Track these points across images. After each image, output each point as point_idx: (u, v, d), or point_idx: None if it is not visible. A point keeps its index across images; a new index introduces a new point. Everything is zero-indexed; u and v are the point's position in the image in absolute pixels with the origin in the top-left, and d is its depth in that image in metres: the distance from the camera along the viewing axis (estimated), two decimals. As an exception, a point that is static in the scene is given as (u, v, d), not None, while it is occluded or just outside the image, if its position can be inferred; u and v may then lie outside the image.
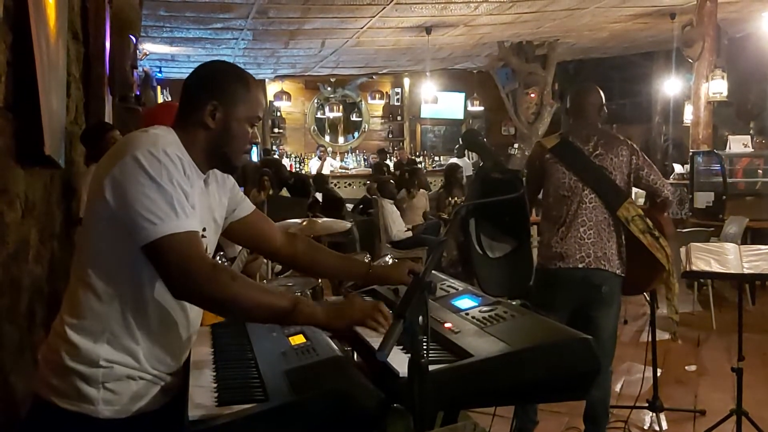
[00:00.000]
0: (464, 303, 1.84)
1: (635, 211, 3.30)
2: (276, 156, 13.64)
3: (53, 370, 1.59)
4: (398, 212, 7.93)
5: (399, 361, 1.42)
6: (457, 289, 1.98)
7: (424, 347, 1.31)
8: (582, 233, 3.30)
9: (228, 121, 1.68)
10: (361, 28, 8.76)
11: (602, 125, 3.51)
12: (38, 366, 1.68)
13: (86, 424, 1.57)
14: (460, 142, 13.75)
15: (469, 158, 13.49)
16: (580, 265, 3.29)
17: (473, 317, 1.70)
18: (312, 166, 14.05)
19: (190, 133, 1.67)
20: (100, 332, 1.57)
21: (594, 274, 3.29)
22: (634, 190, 3.53)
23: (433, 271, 2.21)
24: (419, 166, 11.37)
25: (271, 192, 9.97)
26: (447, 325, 1.67)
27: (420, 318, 1.32)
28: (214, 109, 1.66)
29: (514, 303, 1.81)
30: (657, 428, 3.97)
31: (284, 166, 10.18)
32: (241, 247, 3.15)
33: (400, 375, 1.38)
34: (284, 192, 9.77)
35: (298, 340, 1.70)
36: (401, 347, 1.57)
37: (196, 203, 1.60)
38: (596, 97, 3.45)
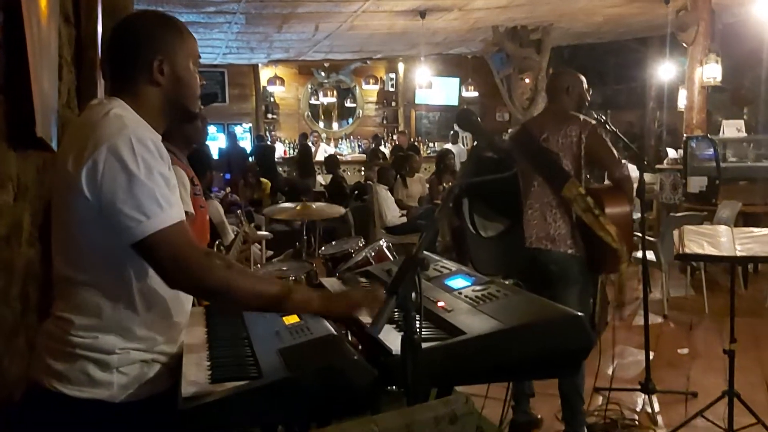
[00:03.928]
0: (457, 283, 1.85)
1: (577, 190, 3.35)
2: (269, 142, 13.62)
3: (59, 359, 1.56)
4: (393, 198, 7.93)
5: (392, 339, 1.43)
6: (450, 270, 1.99)
7: (417, 324, 1.32)
8: (529, 215, 3.41)
9: (176, 71, 1.65)
10: (355, 11, 8.71)
11: (590, 106, 3.57)
12: (36, 353, 1.64)
13: (100, 410, 1.54)
14: (455, 128, 13.76)
15: (463, 144, 13.50)
16: (525, 245, 3.39)
17: (466, 296, 1.71)
18: (306, 151, 14.03)
19: (140, 96, 1.63)
20: (112, 327, 1.55)
21: (536, 253, 3.40)
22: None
23: (427, 253, 2.22)
24: (411, 152, 11.33)
25: (268, 192, 10.04)
26: (440, 304, 1.68)
27: (413, 295, 1.32)
28: (160, 64, 1.63)
29: (507, 282, 1.82)
30: (649, 410, 4.00)
31: (277, 170, 10.16)
32: (234, 235, 3.16)
33: (393, 352, 1.38)
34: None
35: (292, 319, 1.70)
36: (394, 325, 1.57)
37: (175, 181, 1.57)
38: (563, 79, 3.55)
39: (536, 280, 3.41)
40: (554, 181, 3.39)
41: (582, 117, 3.51)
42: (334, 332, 1.60)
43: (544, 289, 3.36)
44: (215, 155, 12.13)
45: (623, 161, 3.50)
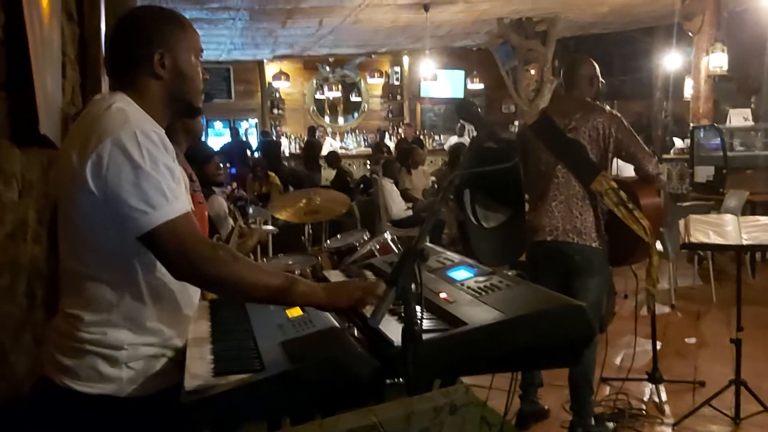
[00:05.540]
0: (460, 274, 1.84)
1: (608, 184, 3.29)
2: (273, 137, 13.62)
3: (69, 354, 1.57)
4: (398, 191, 7.93)
5: (394, 330, 1.43)
6: (453, 261, 1.98)
7: (418, 315, 1.32)
8: (553, 207, 3.35)
9: (178, 64, 1.66)
10: (359, 5, 8.69)
11: (599, 96, 3.50)
12: (45, 349, 1.65)
13: (109, 406, 1.55)
14: (460, 122, 13.73)
15: (470, 137, 13.46)
16: (549, 238, 3.36)
17: (469, 287, 1.70)
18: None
19: (143, 90, 1.64)
20: (121, 322, 1.56)
21: (562, 246, 3.35)
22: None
23: (431, 245, 2.22)
24: (416, 145, 11.33)
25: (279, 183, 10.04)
26: (442, 295, 1.68)
27: (413, 286, 1.32)
28: (161, 58, 1.63)
29: (510, 273, 1.82)
30: (656, 399, 4.00)
31: (283, 164, 10.15)
32: (232, 227, 3.16)
33: (395, 344, 1.38)
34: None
35: (295, 312, 1.71)
36: (397, 317, 1.57)
37: (180, 173, 1.58)
38: (587, 67, 3.45)
39: (555, 271, 3.39)
40: (582, 174, 3.33)
41: (607, 109, 3.44)
42: (337, 325, 1.60)
43: (563, 280, 3.36)
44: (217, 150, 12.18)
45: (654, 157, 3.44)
